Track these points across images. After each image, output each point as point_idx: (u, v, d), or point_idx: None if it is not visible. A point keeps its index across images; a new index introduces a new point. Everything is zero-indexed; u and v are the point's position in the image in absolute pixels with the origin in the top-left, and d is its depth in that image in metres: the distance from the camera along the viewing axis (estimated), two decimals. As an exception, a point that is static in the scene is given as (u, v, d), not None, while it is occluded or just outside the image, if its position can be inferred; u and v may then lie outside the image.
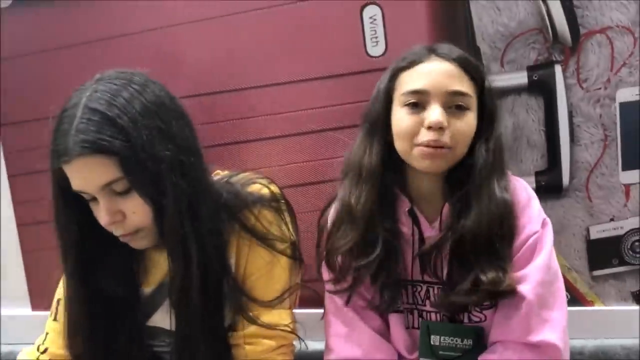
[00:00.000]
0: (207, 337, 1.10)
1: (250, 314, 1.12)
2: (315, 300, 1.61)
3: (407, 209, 1.17)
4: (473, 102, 1.13)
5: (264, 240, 1.12)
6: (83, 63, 1.62)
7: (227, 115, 1.62)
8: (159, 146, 1.00)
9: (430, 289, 1.18)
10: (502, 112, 1.22)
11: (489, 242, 1.11)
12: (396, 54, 1.48)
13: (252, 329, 1.12)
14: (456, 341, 1.16)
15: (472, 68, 1.14)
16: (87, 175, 1.00)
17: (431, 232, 1.17)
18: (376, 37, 1.55)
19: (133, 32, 1.62)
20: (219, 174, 1.22)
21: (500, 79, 1.51)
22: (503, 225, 1.12)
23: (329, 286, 1.21)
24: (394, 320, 1.21)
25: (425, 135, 1.09)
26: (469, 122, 1.12)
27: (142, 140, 0.99)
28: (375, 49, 1.56)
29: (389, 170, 1.16)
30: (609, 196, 1.58)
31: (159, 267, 1.16)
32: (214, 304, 1.10)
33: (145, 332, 1.18)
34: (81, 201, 1.06)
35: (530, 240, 1.13)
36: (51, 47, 1.65)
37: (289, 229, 1.16)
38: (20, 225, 1.73)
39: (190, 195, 1.03)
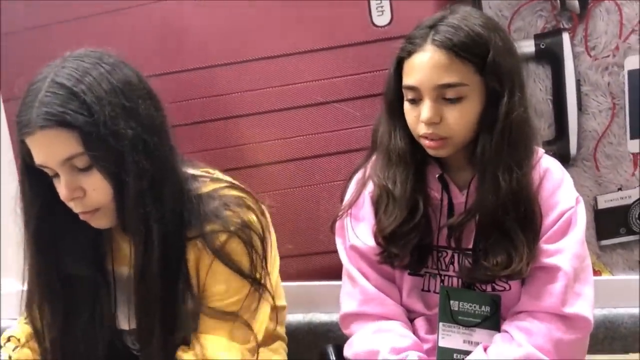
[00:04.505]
0: (164, 328, 1.10)
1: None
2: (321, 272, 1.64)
3: (437, 175, 1.20)
4: (469, 88, 1.11)
5: (227, 264, 1.10)
6: (88, 36, 1.61)
7: (229, 88, 1.61)
8: (122, 124, 1.01)
9: (456, 255, 1.21)
10: (523, 86, 1.17)
11: (500, 226, 1.13)
12: (402, 24, 1.49)
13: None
14: (474, 307, 1.19)
15: (469, 51, 1.11)
16: (49, 149, 1.01)
17: (461, 199, 1.19)
18: (381, 7, 1.53)
19: (137, 5, 1.59)
20: (207, 172, 1.20)
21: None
22: (518, 211, 1.13)
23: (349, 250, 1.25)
24: (411, 282, 1.23)
25: (422, 129, 1.13)
26: (463, 110, 1.12)
27: (105, 117, 1.00)
28: (381, 18, 1.54)
29: (416, 147, 1.19)
30: (616, 165, 1.57)
31: (126, 251, 1.15)
32: (172, 292, 1.10)
33: (110, 315, 1.18)
34: (47, 176, 1.06)
35: (566, 216, 1.16)
36: (56, 21, 1.62)
37: (253, 265, 1.12)
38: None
39: (153, 175, 1.04)
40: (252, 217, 1.13)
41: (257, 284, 1.13)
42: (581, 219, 1.18)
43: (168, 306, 1.10)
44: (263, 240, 1.14)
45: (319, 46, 1.57)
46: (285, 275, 1.39)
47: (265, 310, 1.18)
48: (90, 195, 1.04)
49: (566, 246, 1.15)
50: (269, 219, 1.20)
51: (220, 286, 1.11)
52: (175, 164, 1.10)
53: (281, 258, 1.33)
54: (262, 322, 1.17)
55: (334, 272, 1.36)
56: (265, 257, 1.15)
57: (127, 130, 1.01)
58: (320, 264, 1.63)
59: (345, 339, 1.27)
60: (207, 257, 1.10)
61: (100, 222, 1.09)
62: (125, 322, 1.19)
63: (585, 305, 1.15)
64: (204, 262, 1.10)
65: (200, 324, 1.12)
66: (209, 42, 1.59)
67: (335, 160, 1.62)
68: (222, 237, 1.09)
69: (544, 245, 1.15)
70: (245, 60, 1.59)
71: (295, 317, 1.63)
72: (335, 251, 1.29)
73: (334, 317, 1.56)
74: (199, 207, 1.10)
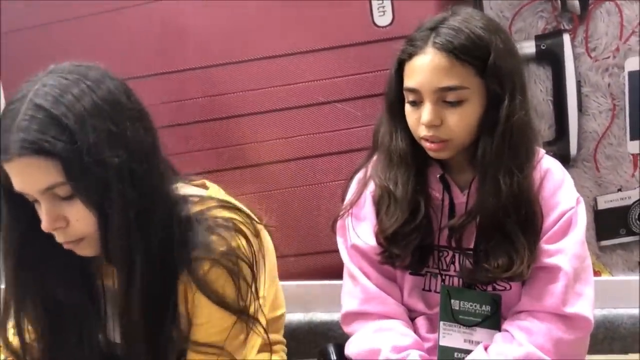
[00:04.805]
0: (150, 355, 1.04)
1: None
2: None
3: (438, 175, 1.20)
4: (470, 91, 1.11)
5: (209, 295, 1.03)
6: (88, 36, 1.61)
7: (231, 88, 1.61)
8: (107, 151, 0.92)
9: (457, 255, 1.21)
10: (524, 88, 1.16)
11: (501, 228, 1.13)
12: (403, 24, 1.49)
13: None
14: (475, 307, 1.20)
15: (469, 54, 1.10)
16: (28, 177, 0.93)
17: (462, 199, 1.19)
18: (383, 7, 1.54)
19: (138, 4, 1.60)
20: (203, 185, 1.16)
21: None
22: (519, 213, 1.13)
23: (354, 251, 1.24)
24: (412, 281, 1.23)
25: (423, 131, 1.13)
26: (464, 113, 1.12)
27: (89, 143, 0.91)
28: (382, 18, 1.54)
29: (418, 148, 1.18)
30: (616, 166, 1.57)
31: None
32: (157, 322, 1.04)
33: (99, 332, 1.13)
34: (29, 201, 0.99)
35: (566, 216, 1.16)
36: (56, 20, 1.63)
37: (239, 294, 1.04)
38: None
39: (140, 205, 0.96)
40: (241, 242, 1.04)
41: (244, 315, 1.04)
42: (581, 220, 1.18)
43: (154, 336, 1.04)
44: (253, 265, 1.05)
45: (321, 46, 1.57)
46: (285, 275, 1.39)
47: (254, 340, 1.11)
48: (73, 225, 0.97)
49: (567, 246, 1.15)
50: (266, 238, 1.14)
51: (203, 317, 1.04)
52: (165, 191, 1.02)
53: (282, 257, 1.33)
54: (252, 347, 1.12)
55: (335, 271, 1.36)
56: (255, 283, 1.06)
57: (113, 158, 0.93)
58: (321, 264, 1.64)
59: (345, 338, 1.27)
60: (193, 286, 1.03)
61: (85, 251, 1.01)
62: (118, 335, 1.13)
63: (586, 305, 1.15)
64: (191, 290, 1.03)
65: (187, 355, 1.07)
66: (210, 41, 1.59)
67: (337, 160, 1.62)
68: (205, 265, 1.01)
69: (545, 246, 1.15)
70: (247, 60, 1.59)
71: (295, 317, 1.63)
72: (336, 250, 1.29)
73: (334, 317, 1.57)
74: (186, 232, 1.02)
